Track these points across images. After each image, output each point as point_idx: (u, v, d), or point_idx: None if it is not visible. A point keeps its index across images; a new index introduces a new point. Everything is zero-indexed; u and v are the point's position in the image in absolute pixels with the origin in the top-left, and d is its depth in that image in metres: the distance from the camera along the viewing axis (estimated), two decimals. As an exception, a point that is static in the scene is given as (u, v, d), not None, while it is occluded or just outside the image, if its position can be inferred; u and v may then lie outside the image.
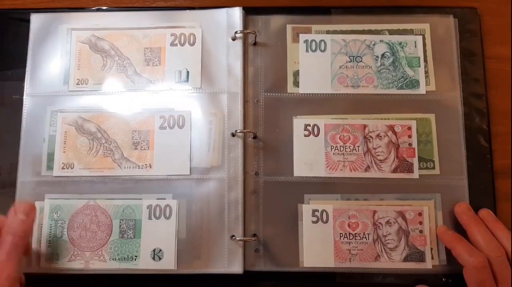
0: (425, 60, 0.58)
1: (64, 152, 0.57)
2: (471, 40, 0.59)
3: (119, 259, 0.54)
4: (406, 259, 0.54)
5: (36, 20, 0.60)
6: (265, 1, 0.61)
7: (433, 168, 0.56)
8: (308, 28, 0.59)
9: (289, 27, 0.59)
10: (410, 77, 0.58)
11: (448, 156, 0.56)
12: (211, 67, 0.58)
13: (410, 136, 0.56)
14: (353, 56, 0.58)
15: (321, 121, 0.57)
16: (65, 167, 0.56)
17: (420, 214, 0.54)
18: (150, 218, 0.55)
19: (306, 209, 0.55)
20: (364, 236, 0.54)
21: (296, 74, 0.58)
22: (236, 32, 0.58)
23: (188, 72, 0.58)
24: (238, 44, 0.58)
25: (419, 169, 0.56)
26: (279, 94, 0.58)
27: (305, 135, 0.56)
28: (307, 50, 0.59)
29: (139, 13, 0.60)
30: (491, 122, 0.57)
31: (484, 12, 0.60)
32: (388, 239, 0.54)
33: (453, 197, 0.55)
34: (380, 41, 0.59)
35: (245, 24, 0.59)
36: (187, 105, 0.57)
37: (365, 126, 0.56)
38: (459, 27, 0.59)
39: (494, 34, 0.60)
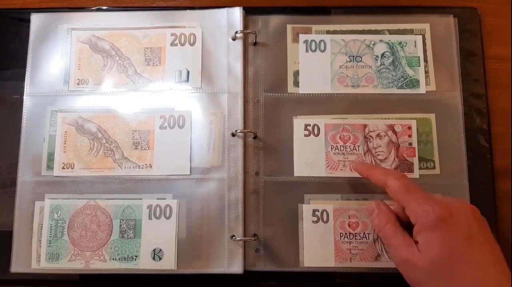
0: (425, 60, 0.58)
1: (64, 152, 0.57)
2: (471, 40, 0.59)
3: (119, 259, 0.54)
4: (406, 259, 0.54)
5: (36, 20, 0.60)
6: (265, 1, 0.61)
7: (433, 168, 0.56)
8: (308, 28, 0.59)
9: (289, 27, 0.59)
10: (410, 77, 0.58)
11: (448, 156, 0.56)
12: (211, 67, 0.58)
13: (410, 136, 0.56)
14: (353, 56, 0.58)
15: (321, 121, 0.57)
16: (65, 167, 0.56)
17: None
18: (150, 218, 0.55)
19: (306, 209, 0.55)
20: (364, 236, 0.54)
21: (296, 74, 0.58)
22: (236, 32, 0.58)
23: (188, 72, 0.58)
24: (238, 44, 0.58)
25: (419, 169, 0.56)
26: (279, 94, 0.58)
27: (305, 135, 0.56)
28: (306, 50, 0.59)
29: (139, 13, 0.60)
30: (491, 122, 0.57)
31: (484, 12, 0.60)
32: (389, 239, 0.54)
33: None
34: (380, 40, 0.59)
35: (245, 24, 0.59)
36: (187, 105, 0.57)
37: (365, 126, 0.56)
38: (459, 27, 0.59)
39: (494, 34, 0.60)
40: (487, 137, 0.57)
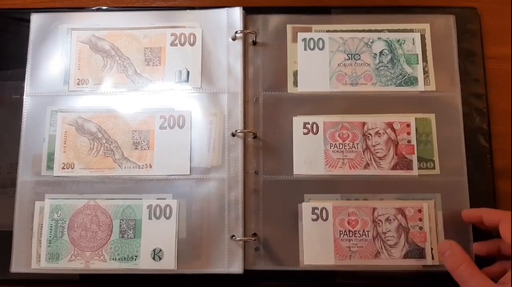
0: (425, 60, 0.58)
1: (64, 152, 0.57)
2: (471, 40, 0.59)
3: (119, 259, 0.54)
4: (406, 256, 0.53)
5: (36, 20, 0.60)
6: (265, 1, 0.61)
7: (433, 168, 0.56)
8: (308, 28, 0.59)
9: (289, 27, 0.59)
10: (409, 74, 0.58)
11: (448, 156, 0.56)
12: (211, 67, 0.58)
13: (409, 133, 0.56)
14: (351, 54, 0.58)
15: (320, 119, 0.57)
16: (65, 167, 0.56)
17: (419, 211, 0.54)
18: (150, 218, 0.55)
19: (306, 207, 0.55)
20: (364, 233, 0.54)
21: (296, 74, 0.58)
22: (236, 32, 0.58)
23: (188, 72, 0.58)
24: (238, 44, 0.58)
25: (419, 169, 0.55)
26: (279, 94, 0.58)
27: (304, 133, 0.56)
28: (305, 49, 0.59)
29: (139, 13, 0.60)
30: (491, 122, 0.57)
31: (484, 12, 0.60)
32: (388, 236, 0.54)
33: (453, 197, 0.55)
34: (378, 38, 0.59)
35: (245, 24, 0.59)
36: (187, 105, 0.57)
37: (364, 124, 0.56)
38: (459, 27, 0.59)
39: (494, 34, 0.60)
40: (487, 137, 0.57)
